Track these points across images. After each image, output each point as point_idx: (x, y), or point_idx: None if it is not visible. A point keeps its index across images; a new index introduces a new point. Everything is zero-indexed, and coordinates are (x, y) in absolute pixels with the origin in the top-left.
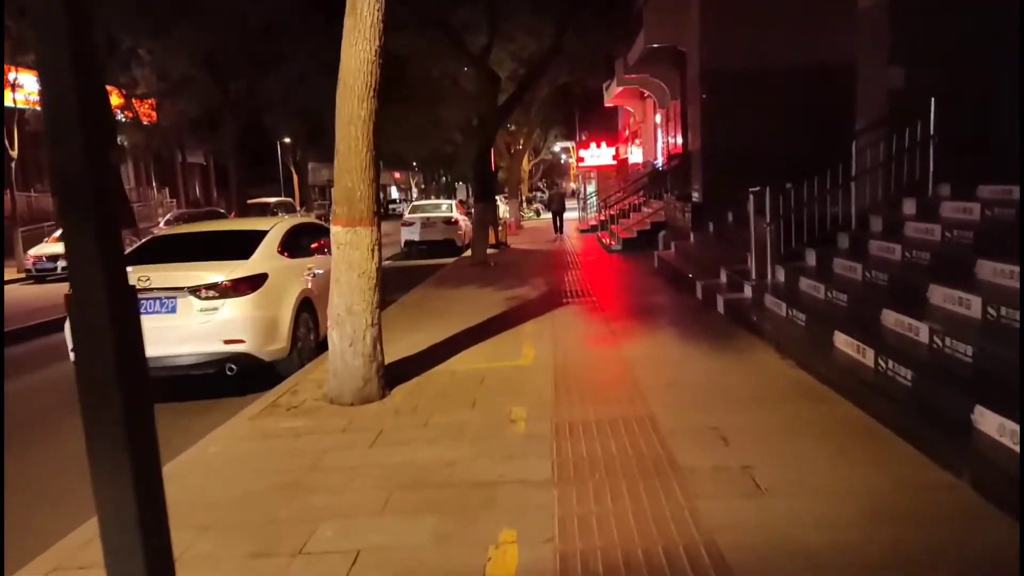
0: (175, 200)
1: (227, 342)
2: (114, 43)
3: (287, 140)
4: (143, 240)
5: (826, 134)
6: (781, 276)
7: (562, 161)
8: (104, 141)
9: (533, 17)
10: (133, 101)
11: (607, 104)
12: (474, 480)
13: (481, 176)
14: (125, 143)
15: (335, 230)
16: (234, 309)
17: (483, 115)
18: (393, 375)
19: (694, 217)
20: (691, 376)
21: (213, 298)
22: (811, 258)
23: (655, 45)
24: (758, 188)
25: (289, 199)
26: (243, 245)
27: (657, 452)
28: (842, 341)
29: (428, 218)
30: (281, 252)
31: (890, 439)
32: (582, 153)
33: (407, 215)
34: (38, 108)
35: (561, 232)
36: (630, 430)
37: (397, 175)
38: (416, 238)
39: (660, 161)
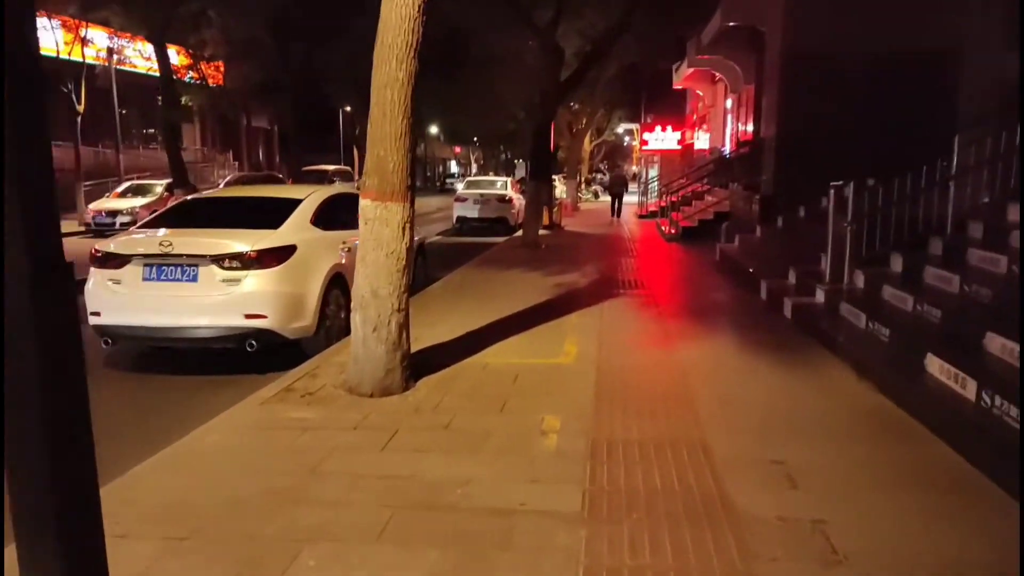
0: (238, 163)
1: (248, 316)
2: (179, 1)
3: (348, 109)
4: (173, 203)
5: (918, 127)
6: (860, 282)
7: (625, 143)
8: (34, 77)
9: None
10: (201, 64)
11: (676, 87)
12: (490, 506)
13: (538, 153)
14: (190, 103)
15: (364, 203)
16: (257, 282)
17: (545, 90)
18: (420, 364)
19: (762, 209)
20: (753, 394)
21: (236, 269)
22: (896, 264)
23: (732, 24)
24: (840, 182)
25: (348, 168)
26: (275, 214)
27: (709, 489)
28: (936, 366)
29: (482, 195)
30: (315, 223)
31: (999, 498)
32: (646, 136)
33: (461, 191)
34: (106, 64)
35: (618, 216)
36: (678, 457)
37: (457, 149)
38: (469, 215)
39: (728, 148)
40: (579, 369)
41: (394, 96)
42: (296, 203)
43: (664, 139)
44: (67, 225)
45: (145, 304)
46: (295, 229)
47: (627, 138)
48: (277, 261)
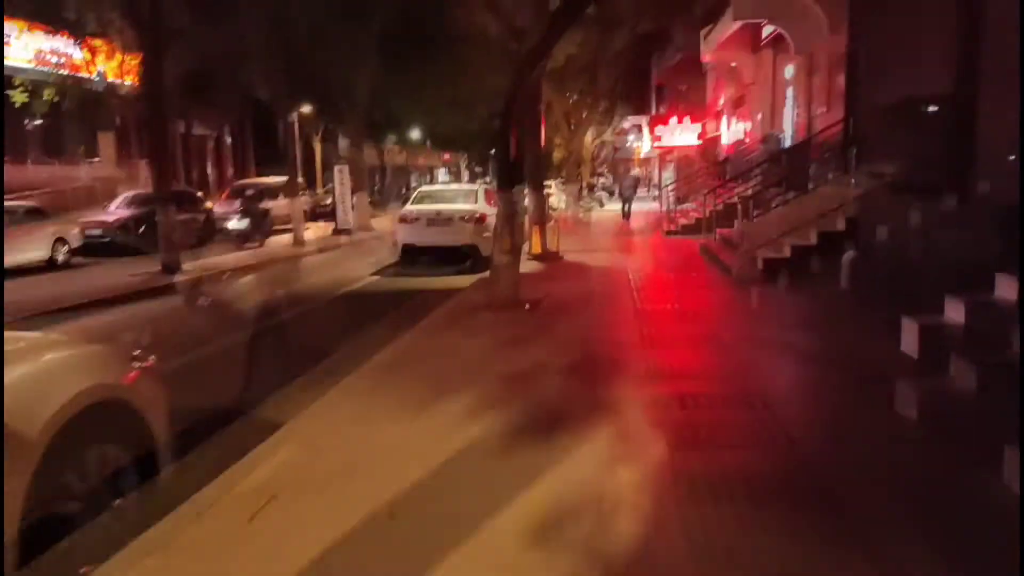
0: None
1: None
2: None
3: (306, 110)
4: None
5: None
6: None
7: (628, 143)
8: None
9: None
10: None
11: (704, 59)
12: None
13: (508, 148)
14: (56, 99)
15: None
16: None
17: (524, 30)
18: None
19: (1001, 237)
20: None
21: None
22: None
23: None
24: None
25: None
26: None
27: None
28: None
29: (438, 212)
30: None
31: None
32: (659, 131)
33: (408, 206)
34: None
35: (628, 219)
36: None
37: (447, 157)
38: (418, 242)
39: (788, 135)
40: None
41: None
42: None
43: (681, 134)
44: None
45: None
46: None
47: (630, 137)
48: None
